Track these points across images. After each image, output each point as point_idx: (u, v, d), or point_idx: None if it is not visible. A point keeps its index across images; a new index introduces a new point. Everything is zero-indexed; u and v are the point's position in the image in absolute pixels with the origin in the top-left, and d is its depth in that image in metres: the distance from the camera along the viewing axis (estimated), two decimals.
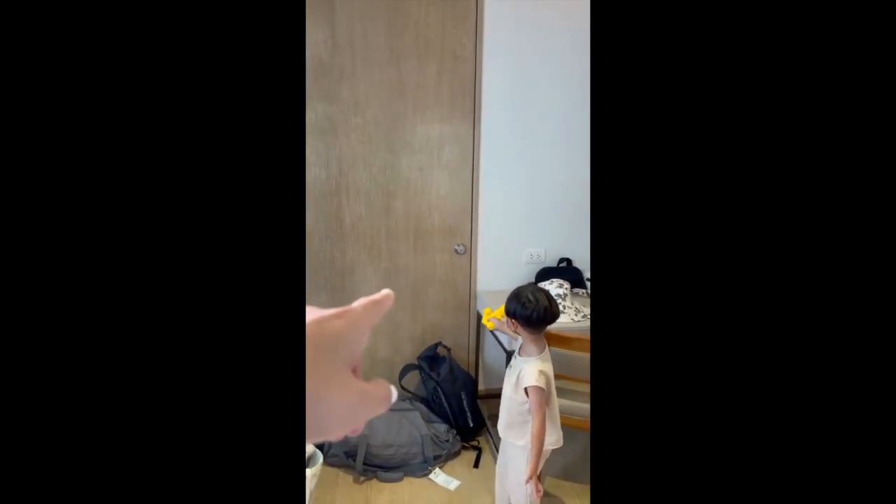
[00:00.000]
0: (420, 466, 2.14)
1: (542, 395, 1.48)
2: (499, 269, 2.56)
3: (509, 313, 1.55)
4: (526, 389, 1.49)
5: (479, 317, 2.47)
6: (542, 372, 1.50)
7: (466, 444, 2.31)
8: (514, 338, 1.69)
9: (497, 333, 2.26)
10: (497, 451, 1.88)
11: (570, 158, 2.48)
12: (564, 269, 2.52)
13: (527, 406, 1.52)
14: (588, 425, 1.81)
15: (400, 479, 2.10)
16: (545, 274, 2.47)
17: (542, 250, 2.58)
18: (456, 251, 2.51)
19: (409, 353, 2.55)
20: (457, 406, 2.32)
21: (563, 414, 1.67)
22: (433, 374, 2.35)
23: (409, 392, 2.46)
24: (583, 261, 2.57)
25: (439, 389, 2.32)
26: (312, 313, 0.29)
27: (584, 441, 1.89)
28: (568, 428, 1.66)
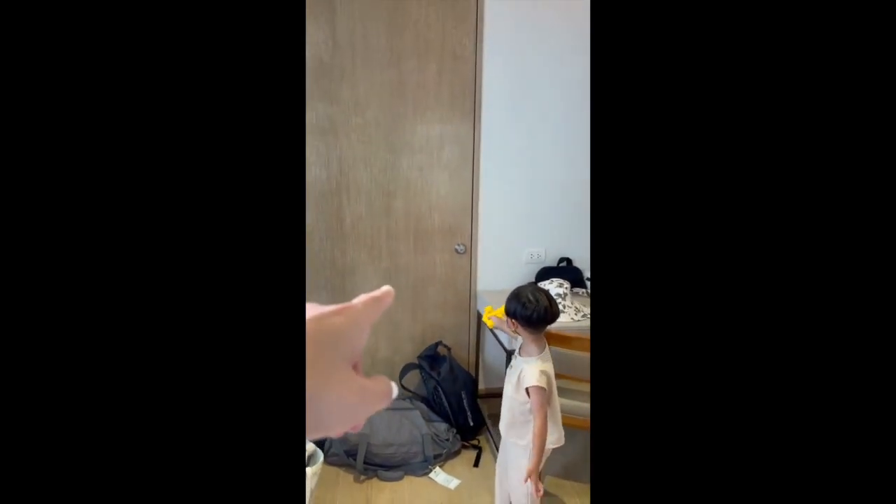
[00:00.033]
0: (420, 465, 2.14)
1: (544, 394, 1.49)
2: (499, 269, 2.56)
3: (509, 313, 1.55)
4: (527, 389, 1.50)
5: (480, 316, 2.47)
6: (543, 372, 1.50)
7: (466, 444, 2.32)
8: (514, 337, 1.69)
9: (497, 333, 2.27)
10: (497, 450, 1.88)
11: (570, 158, 2.48)
12: (564, 269, 2.52)
13: (528, 406, 1.52)
14: (588, 424, 1.81)
15: (400, 478, 2.10)
16: (545, 273, 2.47)
17: (543, 250, 2.58)
18: (456, 251, 2.51)
19: (410, 353, 2.55)
20: (457, 405, 2.32)
21: (563, 413, 1.67)
22: (433, 374, 2.35)
23: (410, 391, 2.46)
24: (583, 260, 2.57)
25: (439, 389, 2.32)
26: (313, 310, 0.29)
27: (584, 440, 1.89)
28: (568, 427, 1.66)
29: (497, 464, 1.77)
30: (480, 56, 2.31)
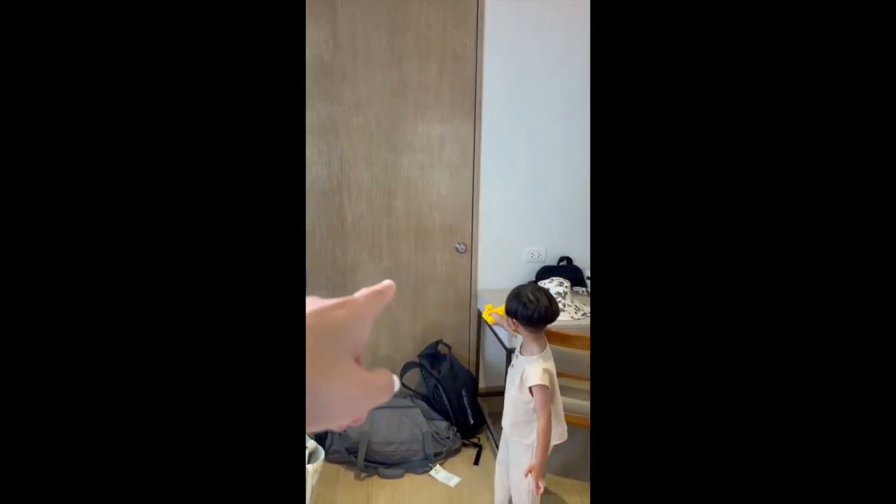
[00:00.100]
0: (421, 463, 2.15)
1: (547, 392, 1.49)
2: (499, 268, 2.56)
3: (510, 313, 1.55)
4: (531, 388, 1.50)
5: (480, 315, 2.47)
6: (545, 370, 1.51)
7: (467, 442, 2.32)
8: (514, 335, 1.69)
9: (497, 331, 2.27)
10: (497, 448, 1.88)
11: (570, 157, 2.48)
12: (565, 268, 2.52)
13: (532, 405, 1.53)
14: (588, 422, 1.82)
15: (401, 476, 2.11)
16: (545, 272, 2.48)
17: (543, 249, 2.59)
18: (457, 250, 2.51)
19: (410, 351, 2.55)
20: (457, 403, 2.33)
21: (563, 411, 1.68)
22: (434, 372, 2.36)
23: (410, 389, 2.47)
24: (583, 259, 2.58)
25: (440, 387, 2.32)
26: (315, 303, 0.29)
27: (584, 438, 1.90)
28: (568, 425, 1.67)
29: (497, 462, 1.78)
30: (481, 56, 2.31)
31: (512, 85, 2.36)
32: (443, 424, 2.26)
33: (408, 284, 2.50)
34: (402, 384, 2.44)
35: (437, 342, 2.50)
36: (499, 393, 1.69)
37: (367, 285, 0.32)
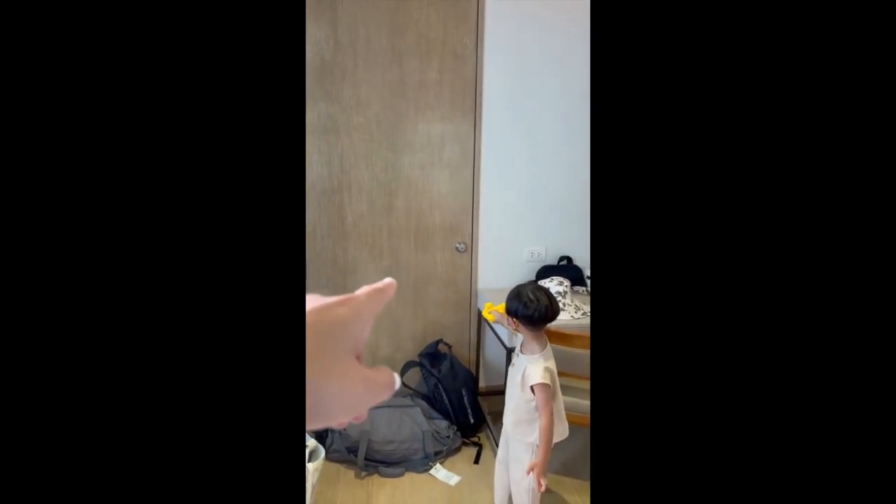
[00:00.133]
0: (421, 462, 2.15)
1: (549, 391, 1.50)
2: (499, 267, 2.56)
3: (510, 312, 1.55)
4: (532, 387, 1.50)
5: (480, 314, 2.47)
6: (547, 369, 1.51)
7: (467, 441, 2.32)
8: (514, 334, 1.69)
9: (498, 330, 2.27)
10: (497, 447, 1.89)
11: (570, 157, 2.48)
12: (565, 267, 2.52)
13: (534, 404, 1.53)
14: (588, 421, 1.82)
15: (401, 475, 2.11)
16: (546, 272, 2.48)
17: (543, 248, 2.59)
18: (457, 249, 2.52)
19: (411, 351, 2.55)
20: (457, 402, 2.33)
21: (564, 410, 1.68)
22: (434, 371, 2.36)
23: (411, 389, 2.47)
24: (583, 259, 2.58)
25: (440, 386, 2.33)
26: (315, 301, 0.29)
27: (584, 437, 1.90)
28: (568, 424, 1.67)
29: (497, 461, 1.78)
30: (481, 55, 2.31)
31: (512, 84, 2.36)
32: (443, 423, 2.26)
33: (408, 284, 2.50)
34: (403, 383, 2.44)
35: (438, 341, 2.51)
36: (499, 392, 1.69)
37: (367, 284, 0.32)
